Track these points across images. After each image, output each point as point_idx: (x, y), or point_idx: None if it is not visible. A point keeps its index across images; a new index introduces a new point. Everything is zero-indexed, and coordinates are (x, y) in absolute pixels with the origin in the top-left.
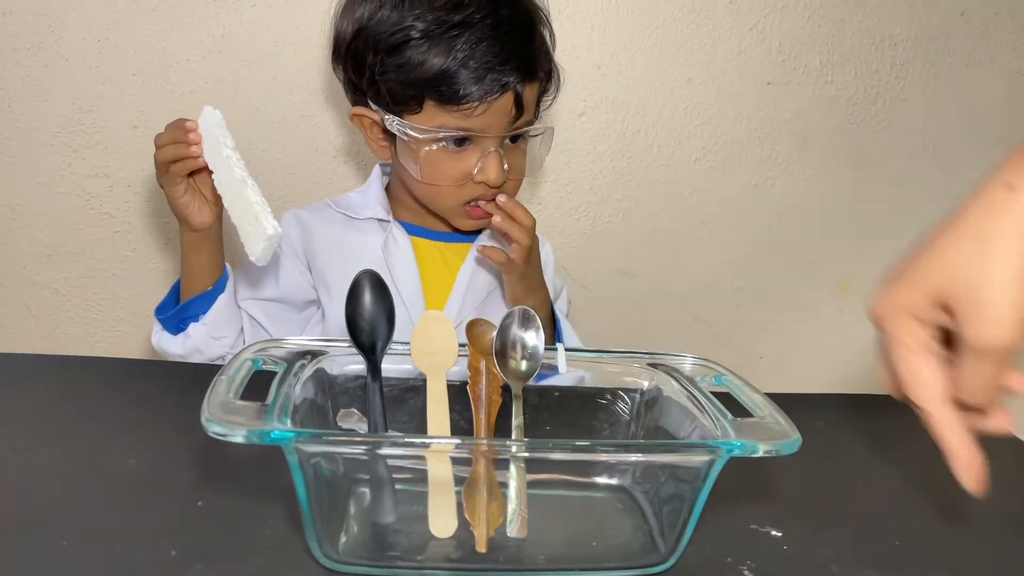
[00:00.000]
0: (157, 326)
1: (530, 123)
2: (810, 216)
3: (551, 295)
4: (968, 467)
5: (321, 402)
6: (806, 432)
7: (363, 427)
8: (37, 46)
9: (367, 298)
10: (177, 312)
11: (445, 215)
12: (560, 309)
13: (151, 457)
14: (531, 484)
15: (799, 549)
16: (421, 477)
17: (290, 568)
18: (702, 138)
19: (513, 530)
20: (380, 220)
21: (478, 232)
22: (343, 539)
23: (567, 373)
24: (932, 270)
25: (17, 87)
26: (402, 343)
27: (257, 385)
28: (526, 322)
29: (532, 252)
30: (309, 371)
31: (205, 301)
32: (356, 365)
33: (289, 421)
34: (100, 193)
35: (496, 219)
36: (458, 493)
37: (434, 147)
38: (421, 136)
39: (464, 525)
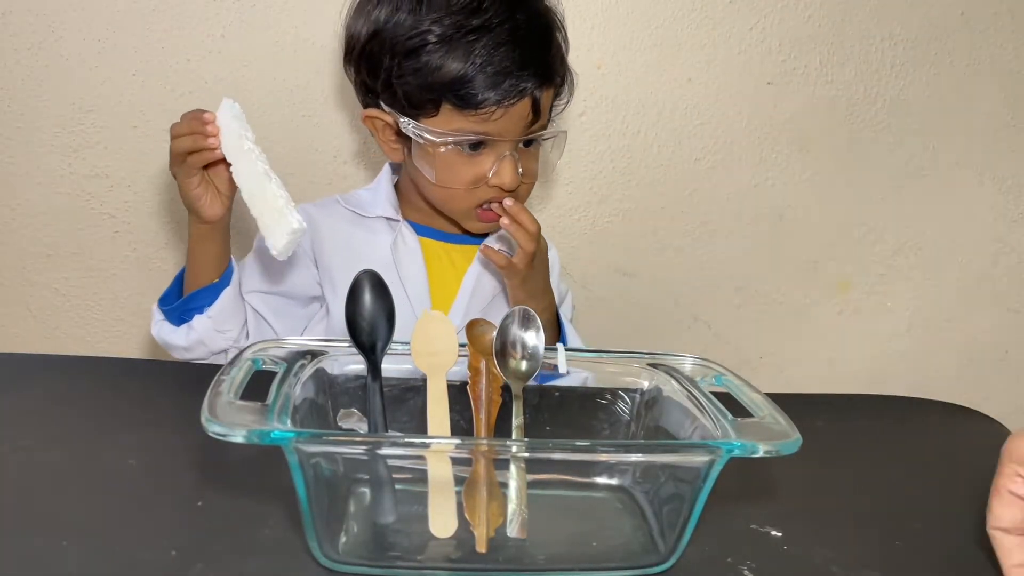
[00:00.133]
0: (158, 316)
1: (544, 127)
2: (810, 216)
3: (556, 299)
4: None
5: (321, 402)
6: (806, 432)
7: (363, 427)
8: (37, 46)
9: (367, 298)
10: (182, 303)
11: (456, 217)
12: (564, 314)
13: (151, 457)
14: (531, 484)
15: (799, 549)
16: (421, 477)
17: (290, 568)
18: (702, 138)
19: (513, 530)
20: (389, 219)
21: (486, 234)
22: (343, 539)
23: (572, 375)
24: None
25: (17, 87)
26: (402, 343)
27: (257, 385)
28: (526, 322)
29: (536, 257)
30: (309, 371)
31: (211, 293)
32: (356, 365)
33: (289, 421)
34: (100, 193)
35: (504, 221)
36: (458, 493)
37: (449, 151)
38: (437, 140)
39: (464, 525)
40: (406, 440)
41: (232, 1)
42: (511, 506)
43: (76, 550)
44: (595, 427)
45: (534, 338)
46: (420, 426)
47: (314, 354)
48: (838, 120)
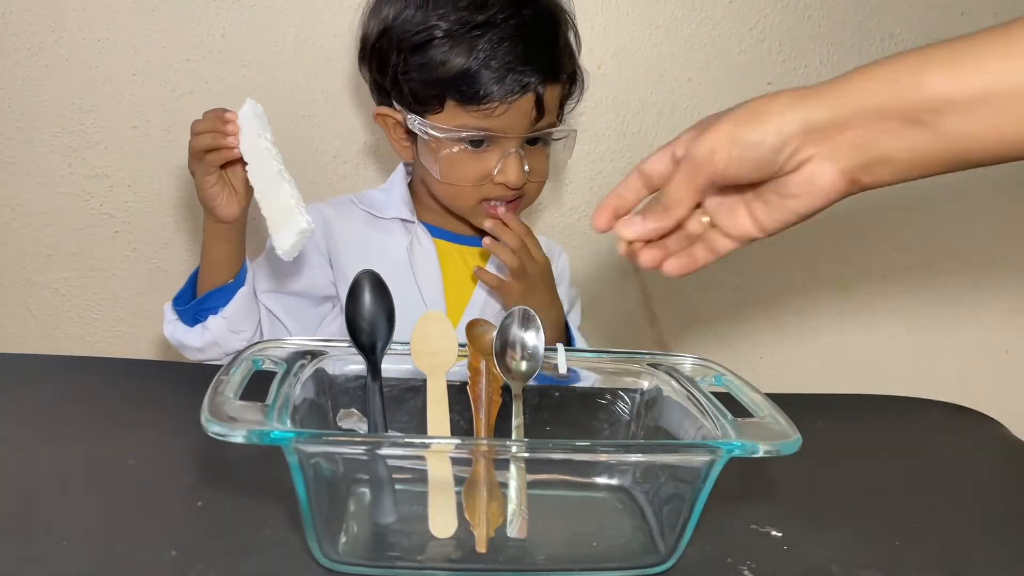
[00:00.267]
0: (171, 316)
1: (552, 125)
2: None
3: (565, 306)
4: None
5: (321, 402)
6: (806, 432)
7: (363, 427)
8: (37, 46)
9: (367, 298)
10: (196, 304)
11: (464, 215)
12: (573, 322)
13: (151, 457)
14: (531, 484)
15: (799, 549)
16: (421, 477)
17: (290, 568)
18: None
19: (513, 530)
20: (404, 220)
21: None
22: (343, 539)
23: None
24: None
25: (17, 87)
26: (402, 343)
27: (257, 385)
28: (526, 322)
29: (531, 273)
30: (309, 371)
31: (225, 294)
32: (356, 365)
33: (289, 421)
34: (100, 193)
35: (485, 240)
36: (458, 493)
37: (454, 147)
38: (442, 136)
39: (464, 525)
40: (406, 440)
41: (232, 1)
42: (511, 506)
43: (76, 550)
44: (595, 427)
45: (534, 338)
46: (420, 426)
47: (314, 354)
48: None
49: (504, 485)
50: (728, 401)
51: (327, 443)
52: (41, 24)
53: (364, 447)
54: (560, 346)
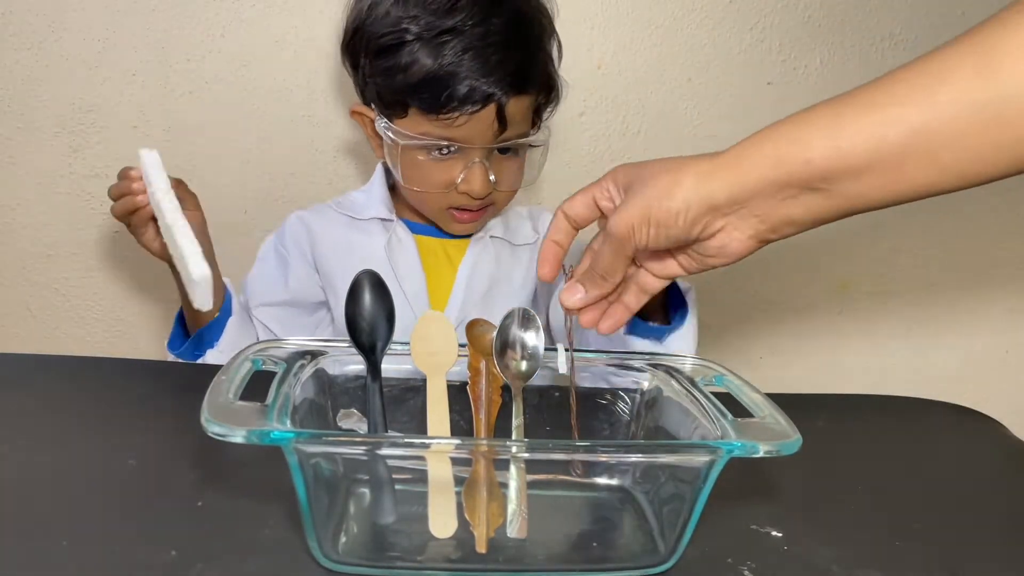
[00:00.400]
0: (171, 358)
1: (524, 134)
2: None
3: None
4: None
5: (321, 402)
6: (806, 432)
7: (363, 427)
8: (37, 46)
9: (367, 298)
10: (191, 345)
11: (432, 218)
12: None
13: (151, 457)
14: (531, 484)
15: (799, 549)
16: (421, 477)
17: (290, 568)
18: (702, 138)
19: (513, 530)
20: (383, 220)
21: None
22: (343, 539)
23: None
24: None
25: (17, 87)
26: (402, 343)
27: (257, 385)
28: (526, 322)
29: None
30: (309, 371)
31: (215, 328)
32: (356, 365)
33: (289, 421)
34: (100, 193)
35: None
36: (458, 493)
37: (419, 154)
38: (404, 142)
39: (464, 525)
40: (406, 440)
41: (232, 1)
42: (511, 506)
43: (76, 550)
44: (595, 427)
45: (534, 338)
46: (420, 426)
47: (314, 354)
48: None
49: (504, 485)
50: (728, 401)
51: (327, 443)
52: (41, 24)
53: (364, 447)
54: (560, 346)
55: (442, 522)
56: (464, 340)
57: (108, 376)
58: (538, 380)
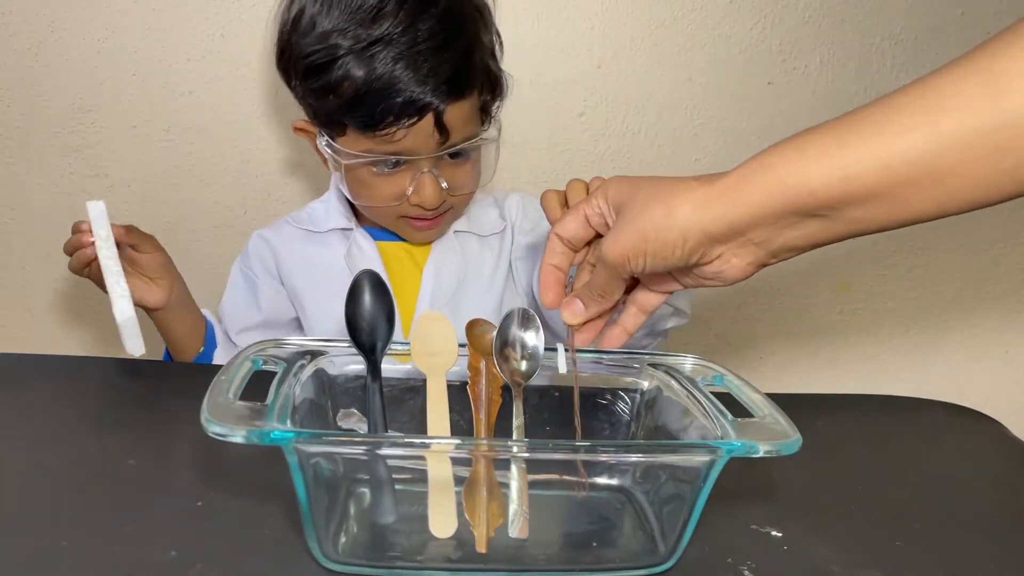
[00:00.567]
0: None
1: (472, 135)
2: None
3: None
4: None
5: (321, 402)
6: (806, 432)
7: (363, 427)
8: (37, 46)
9: (367, 298)
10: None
11: (390, 229)
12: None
13: (151, 457)
14: (531, 484)
15: (799, 549)
16: (421, 477)
17: (290, 568)
18: (702, 138)
19: (514, 530)
20: (343, 229)
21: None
22: (343, 539)
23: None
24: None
25: (17, 87)
26: (402, 343)
27: (257, 385)
28: (526, 322)
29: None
30: (309, 371)
31: (202, 362)
32: (356, 365)
33: (289, 421)
34: (100, 193)
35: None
36: (458, 493)
37: (364, 170)
38: (346, 162)
39: (464, 525)
40: (406, 440)
41: (232, 1)
42: (512, 506)
43: (76, 550)
44: (595, 427)
45: (534, 338)
46: (420, 426)
47: (314, 354)
48: None
49: (504, 485)
50: (728, 401)
51: (327, 443)
52: (41, 24)
53: (364, 447)
54: (560, 346)
55: (442, 522)
56: (464, 340)
57: (108, 376)
58: (538, 380)
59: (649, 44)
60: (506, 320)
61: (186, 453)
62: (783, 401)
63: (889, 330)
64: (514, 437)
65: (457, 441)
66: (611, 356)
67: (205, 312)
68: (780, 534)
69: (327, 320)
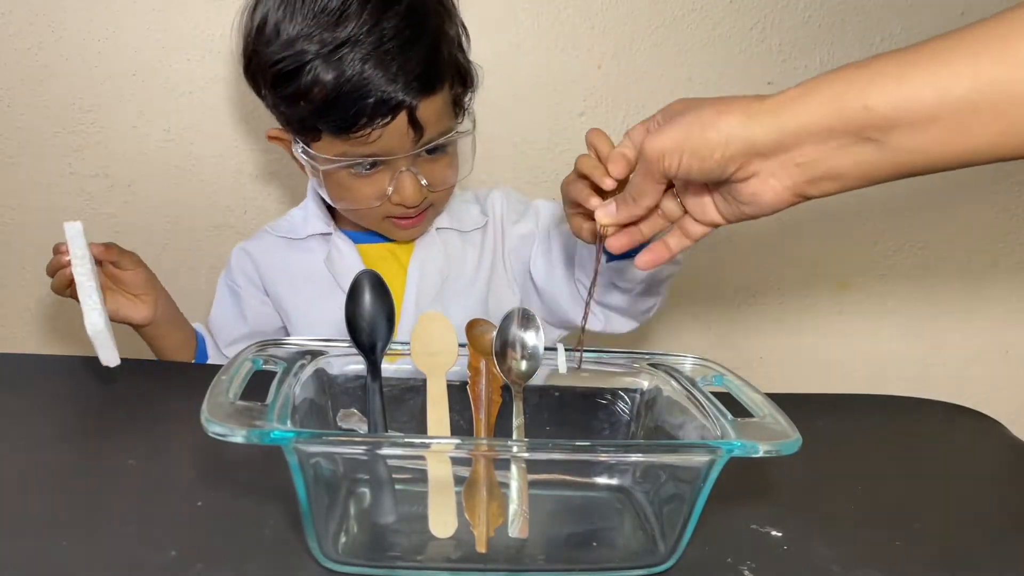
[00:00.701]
0: None
1: (448, 129)
2: (810, 216)
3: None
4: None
5: (321, 402)
6: (806, 432)
7: (363, 427)
8: (37, 46)
9: (367, 298)
10: None
11: (374, 229)
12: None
13: (151, 457)
14: (531, 484)
15: (799, 549)
16: (421, 477)
17: (290, 568)
18: None
19: (515, 530)
20: (322, 235)
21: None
22: (343, 539)
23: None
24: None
25: (17, 87)
26: (402, 343)
27: (257, 385)
28: (526, 322)
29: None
30: (309, 371)
31: None
32: (356, 365)
33: (289, 421)
34: (100, 193)
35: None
36: (458, 493)
37: (342, 173)
38: (323, 167)
39: (464, 525)
40: (406, 440)
41: (232, 1)
42: (512, 506)
43: (76, 550)
44: (595, 427)
45: (534, 338)
46: (420, 426)
47: (314, 354)
48: None
49: (504, 485)
50: (728, 401)
51: (327, 443)
52: (41, 24)
53: (364, 447)
54: (560, 346)
55: (442, 522)
56: (464, 340)
57: (108, 376)
58: (538, 380)
59: (649, 44)
60: (506, 320)
61: (186, 453)
62: (783, 401)
63: (889, 330)
64: (514, 437)
65: (457, 441)
66: (611, 356)
67: (196, 326)
68: (780, 534)
69: (311, 326)
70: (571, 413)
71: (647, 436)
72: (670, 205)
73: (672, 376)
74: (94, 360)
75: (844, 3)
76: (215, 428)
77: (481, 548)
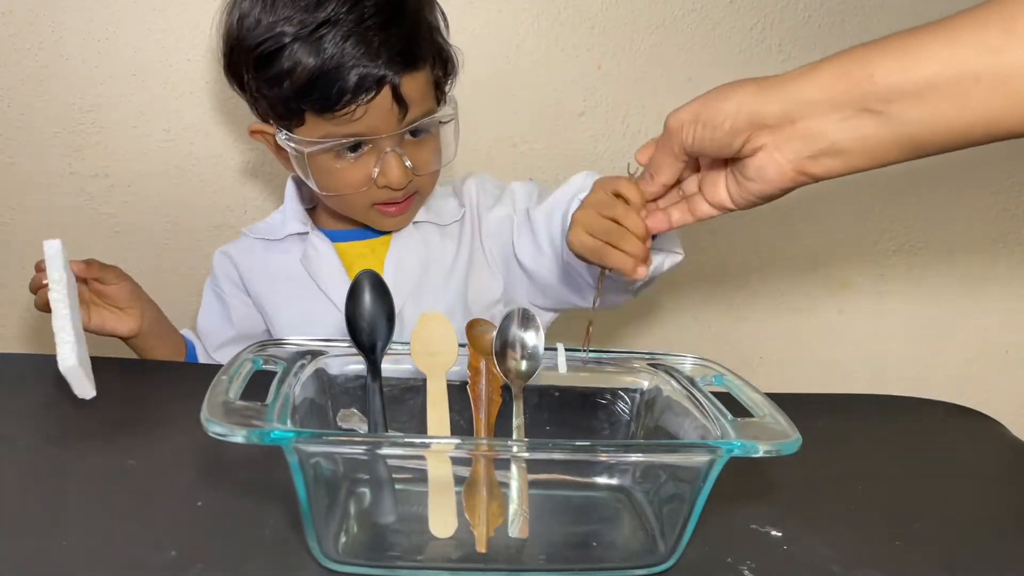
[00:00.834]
0: None
1: (430, 112)
2: (810, 216)
3: (524, 201)
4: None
5: (321, 402)
6: (806, 432)
7: (363, 427)
8: (37, 46)
9: (367, 298)
10: None
11: (361, 220)
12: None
13: (151, 457)
14: (531, 484)
15: (799, 549)
16: (421, 477)
17: (290, 568)
18: None
19: (515, 530)
20: (299, 234)
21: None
22: (343, 539)
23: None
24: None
25: (17, 87)
26: (402, 343)
27: (257, 385)
28: (526, 322)
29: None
30: (309, 371)
31: None
32: (356, 365)
33: (289, 421)
34: (100, 193)
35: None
36: (458, 493)
37: (327, 158)
38: (308, 150)
39: (464, 525)
40: (406, 440)
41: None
42: (512, 506)
43: (76, 550)
44: (595, 427)
45: (534, 338)
46: (420, 426)
47: (314, 354)
48: None
49: (504, 485)
50: (728, 401)
51: (327, 443)
52: (41, 24)
53: (364, 447)
54: (560, 346)
55: (442, 522)
56: (464, 340)
57: (108, 376)
58: (538, 380)
59: (649, 44)
60: (506, 320)
61: (186, 453)
62: (783, 401)
63: (889, 330)
64: (514, 437)
65: (457, 441)
66: (611, 356)
67: (186, 332)
68: (780, 534)
69: (290, 326)
70: (571, 413)
71: (647, 436)
72: (691, 186)
73: (672, 376)
74: (94, 360)
75: (844, 3)
76: (215, 428)
77: (481, 548)
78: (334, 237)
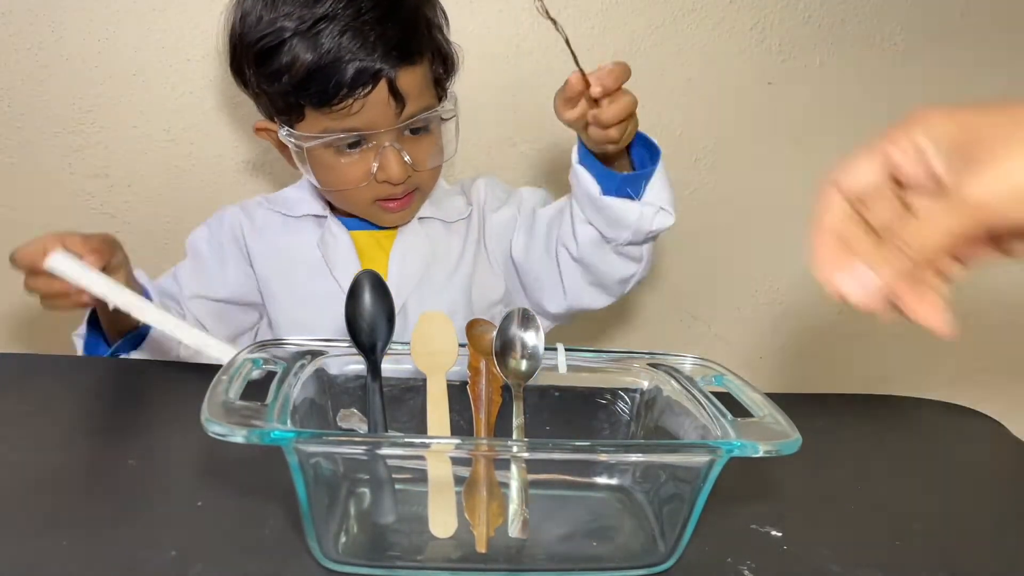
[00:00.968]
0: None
1: (429, 108)
2: (810, 216)
3: (526, 205)
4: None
5: (321, 402)
6: (806, 432)
7: (363, 427)
8: (37, 46)
9: (367, 298)
10: (113, 351)
11: (362, 215)
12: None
13: (151, 457)
14: (531, 484)
15: (799, 549)
16: (421, 477)
17: (290, 568)
18: (702, 138)
19: (514, 530)
20: (317, 216)
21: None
22: (343, 539)
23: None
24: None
25: (17, 87)
26: (402, 343)
27: (257, 385)
28: (526, 322)
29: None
30: (309, 371)
31: (137, 337)
32: (356, 365)
33: (289, 421)
34: (100, 193)
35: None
36: (458, 493)
37: (328, 153)
38: (308, 145)
39: (464, 525)
40: (406, 440)
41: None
42: (512, 506)
43: (76, 550)
44: (595, 427)
45: (534, 338)
46: (420, 426)
47: (314, 354)
48: (838, 120)
49: (504, 485)
50: (728, 401)
51: (327, 443)
52: (41, 24)
53: (364, 447)
54: (560, 346)
55: (442, 522)
56: (464, 340)
57: (108, 376)
58: (538, 380)
59: (649, 44)
60: (506, 320)
61: (186, 453)
62: (783, 401)
63: (889, 330)
64: (514, 437)
65: (457, 441)
66: (611, 356)
67: (143, 280)
68: (780, 534)
69: (296, 306)
70: (571, 413)
71: (647, 436)
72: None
73: (672, 376)
74: (94, 360)
75: (844, 3)
76: (215, 428)
77: (481, 548)
78: (349, 225)
